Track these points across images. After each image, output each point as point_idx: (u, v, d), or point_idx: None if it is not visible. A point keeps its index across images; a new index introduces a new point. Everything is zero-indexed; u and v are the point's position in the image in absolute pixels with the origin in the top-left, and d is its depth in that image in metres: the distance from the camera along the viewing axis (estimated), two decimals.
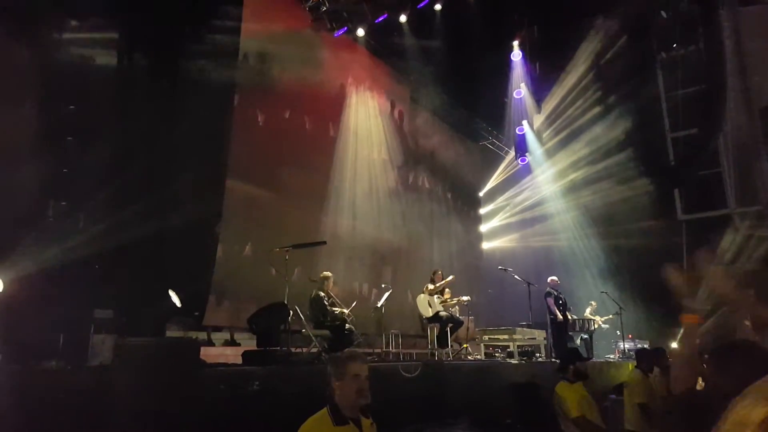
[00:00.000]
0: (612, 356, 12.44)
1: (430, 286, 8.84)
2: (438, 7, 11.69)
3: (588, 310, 13.20)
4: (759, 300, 2.48)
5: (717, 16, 11.37)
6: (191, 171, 7.10)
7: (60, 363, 3.98)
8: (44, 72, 5.74)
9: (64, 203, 5.50)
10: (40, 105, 5.74)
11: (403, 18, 11.29)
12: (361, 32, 10.92)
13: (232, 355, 6.48)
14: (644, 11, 12.20)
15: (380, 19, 10.78)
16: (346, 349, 3.70)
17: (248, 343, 7.10)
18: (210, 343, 7.46)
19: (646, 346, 11.37)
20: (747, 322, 2.97)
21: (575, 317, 11.97)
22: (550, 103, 14.89)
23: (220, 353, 6.91)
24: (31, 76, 5.69)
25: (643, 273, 13.25)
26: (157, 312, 5.92)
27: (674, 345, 10.69)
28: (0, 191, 4.96)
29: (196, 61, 7.41)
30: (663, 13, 12.22)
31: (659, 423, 5.44)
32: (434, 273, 9.16)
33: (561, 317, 10.51)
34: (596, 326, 12.96)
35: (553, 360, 9.28)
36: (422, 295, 8.69)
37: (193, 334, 6.90)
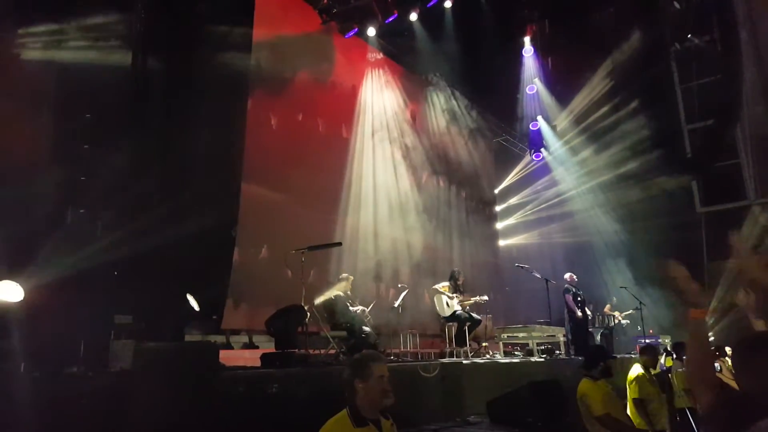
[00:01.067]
0: (634, 353, 12.30)
1: (447, 284, 8.80)
2: (448, 4, 11.67)
3: (607, 307, 13.08)
4: None
5: (731, 5, 11.19)
6: (207, 176, 7.15)
7: (81, 369, 4.02)
8: (59, 78, 5.80)
9: (82, 211, 5.55)
10: (56, 113, 5.81)
11: (413, 17, 11.28)
12: (371, 32, 10.92)
13: (250, 358, 6.50)
14: (657, 1, 12.05)
15: (390, 19, 10.77)
16: (368, 350, 3.68)
17: (266, 345, 7.13)
18: (229, 346, 7.51)
19: (668, 341, 11.24)
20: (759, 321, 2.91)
21: (595, 313, 11.86)
22: (565, 99, 14.77)
23: (238, 356, 6.94)
24: (47, 83, 5.77)
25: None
26: (176, 316, 5.97)
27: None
28: (19, 200, 5.03)
29: (209, 66, 7.46)
30: (676, 4, 12.05)
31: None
32: (457, 274, 9.10)
33: (580, 314, 10.41)
34: (616, 322, 12.83)
35: (572, 357, 9.20)
36: (440, 294, 8.66)
37: (212, 338, 6.94)
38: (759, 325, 2.88)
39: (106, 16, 6.18)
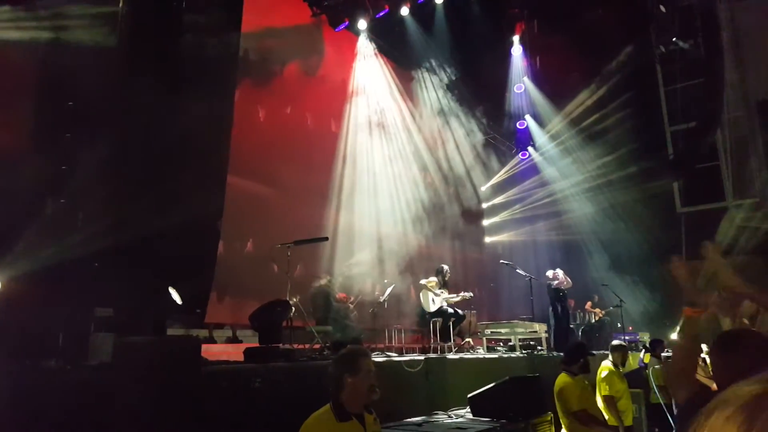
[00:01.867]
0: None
1: (434, 280, 8.82)
2: (439, 0, 11.65)
3: (588, 304, 13.22)
4: (754, 288, 2.49)
5: (715, 10, 11.33)
6: (192, 167, 7.06)
7: (59, 362, 3.95)
8: (41, 64, 5.68)
9: (62, 201, 5.45)
10: (37, 101, 5.69)
11: (404, 11, 11.25)
12: (362, 26, 10.87)
13: (234, 352, 6.46)
14: (644, 5, 12.15)
15: (381, 13, 10.74)
16: (355, 345, 3.67)
17: (251, 339, 7.09)
18: (212, 340, 7.45)
19: (646, 337, 11.39)
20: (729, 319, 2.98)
21: (576, 310, 11.99)
22: (552, 99, 14.85)
23: (222, 350, 6.89)
24: (28, 71, 5.64)
25: (644, 266, 13.28)
26: (158, 310, 5.89)
27: (673, 336, 10.73)
28: None
29: (195, 56, 7.34)
30: (662, 7, 12.16)
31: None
32: (443, 270, 9.12)
33: (561, 310, 10.55)
34: (597, 319, 12.97)
35: (553, 354, 9.29)
36: (426, 289, 8.67)
37: (195, 332, 6.88)
38: (727, 323, 2.95)
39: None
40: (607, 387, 6.02)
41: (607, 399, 5.93)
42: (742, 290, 2.45)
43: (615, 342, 6.87)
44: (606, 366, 6.32)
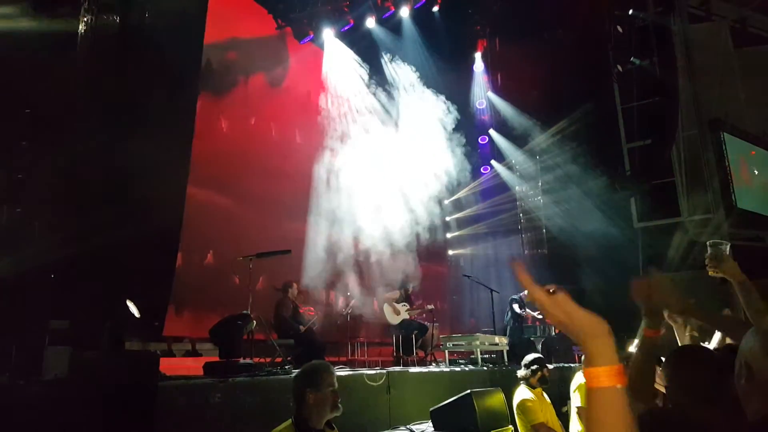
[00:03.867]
0: (573, 363, 12.70)
1: (397, 293, 8.87)
2: (404, 13, 11.83)
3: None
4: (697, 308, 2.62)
5: (669, 32, 11.82)
6: (151, 178, 6.94)
7: (12, 377, 3.83)
8: None
9: (18, 210, 5.29)
10: None
11: (371, 24, 11.36)
12: (328, 39, 10.93)
13: (193, 366, 6.35)
14: (601, 25, 12.58)
15: (346, 28, 10.83)
16: (318, 360, 3.67)
17: (211, 353, 6.98)
18: (171, 353, 7.31)
19: None
20: (687, 333, 3.12)
21: (535, 322, 12.17)
22: (512, 116, 15.19)
23: (180, 364, 6.77)
24: None
25: (602, 280, 13.62)
26: (115, 322, 5.75)
27: (631, 349, 11.04)
28: None
29: (155, 64, 7.25)
30: (619, 28, 12.62)
31: None
32: (407, 283, 9.17)
33: (519, 322, 10.77)
34: (557, 331, 13.21)
35: (512, 366, 9.44)
36: (389, 302, 8.70)
37: (153, 345, 6.74)
38: (682, 337, 3.08)
39: None
40: (581, 398, 5.97)
41: (581, 410, 5.89)
42: (681, 310, 2.58)
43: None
44: (579, 377, 6.30)
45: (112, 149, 6.20)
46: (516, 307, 10.92)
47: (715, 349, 3.30)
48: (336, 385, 2.80)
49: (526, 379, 5.32)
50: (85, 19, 5.97)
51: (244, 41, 9.35)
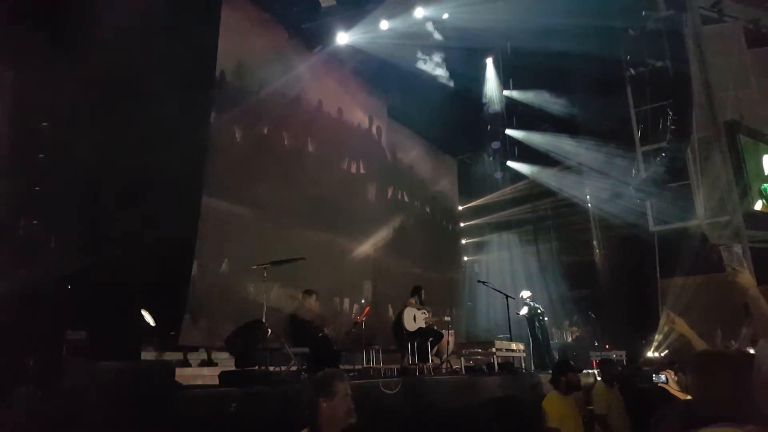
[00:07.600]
0: (590, 369, 12.56)
1: (413, 299, 8.81)
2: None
3: (566, 323, 13.34)
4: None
5: (681, 35, 11.73)
6: (166, 188, 7.00)
7: (30, 388, 3.85)
8: (17, 84, 5.62)
9: (35, 222, 5.36)
10: (11, 121, 5.62)
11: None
12: (339, 46, 11.00)
13: (209, 376, 6.36)
14: (614, 28, 12.51)
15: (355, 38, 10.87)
16: (331, 368, 3.64)
17: (227, 362, 6.99)
18: (186, 363, 7.31)
19: (623, 356, 11.52)
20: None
21: (552, 329, 12.08)
22: (522, 118, 15.16)
23: (196, 374, 6.77)
24: (3, 90, 5.58)
25: (620, 285, 13.50)
26: (131, 332, 5.79)
27: (649, 354, 10.89)
28: None
29: (171, 76, 7.33)
30: (630, 31, 12.55)
31: None
32: (420, 289, 9.11)
33: (538, 328, 10.66)
34: (574, 338, 13.08)
35: (531, 372, 9.33)
36: (409, 308, 8.62)
37: (169, 355, 6.76)
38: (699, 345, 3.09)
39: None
40: (602, 406, 5.86)
41: (600, 419, 5.78)
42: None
43: (603, 358, 6.74)
44: (600, 384, 6.22)
45: (126, 161, 6.27)
46: (528, 314, 10.87)
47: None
48: (350, 392, 2.77)
49: (555, 386, 5.26)
50: None
51: (256, 51, 9.43)
